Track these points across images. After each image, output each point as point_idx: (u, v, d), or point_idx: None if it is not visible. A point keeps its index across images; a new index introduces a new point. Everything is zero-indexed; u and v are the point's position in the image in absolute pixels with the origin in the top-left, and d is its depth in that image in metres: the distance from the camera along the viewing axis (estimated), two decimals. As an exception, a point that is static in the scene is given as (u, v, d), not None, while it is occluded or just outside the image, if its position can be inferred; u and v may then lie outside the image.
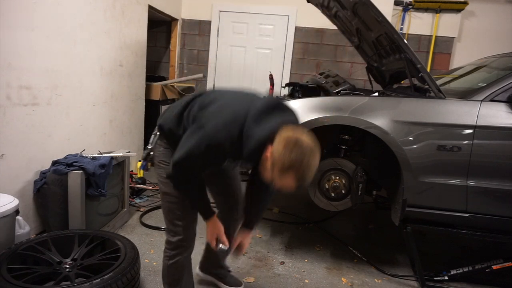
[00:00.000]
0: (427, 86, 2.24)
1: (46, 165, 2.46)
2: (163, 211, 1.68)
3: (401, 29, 4.42)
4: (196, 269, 2.14)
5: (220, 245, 1.65)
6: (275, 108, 1.39)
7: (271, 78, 4.07)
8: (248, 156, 1.36)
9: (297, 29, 4.62)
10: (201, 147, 1.36)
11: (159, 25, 4.86)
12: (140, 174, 3.71)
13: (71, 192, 2.29)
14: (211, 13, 4.77)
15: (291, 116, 1.43)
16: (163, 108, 4.49)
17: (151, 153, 1.68)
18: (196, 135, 1.39)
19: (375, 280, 2.38)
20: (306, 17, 4.53)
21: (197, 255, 2.15)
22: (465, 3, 4.22)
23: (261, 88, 4.67)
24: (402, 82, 3.55)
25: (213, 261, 2.10)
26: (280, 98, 1.43)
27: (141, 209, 3.15)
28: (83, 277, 1.75)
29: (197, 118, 1.45)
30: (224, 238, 1.65)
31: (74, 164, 2.35)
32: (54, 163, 2.41)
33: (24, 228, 2.13)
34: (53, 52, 2.49)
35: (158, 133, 1.64)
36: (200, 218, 1.66)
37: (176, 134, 1.54)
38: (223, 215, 1.88)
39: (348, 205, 2.46)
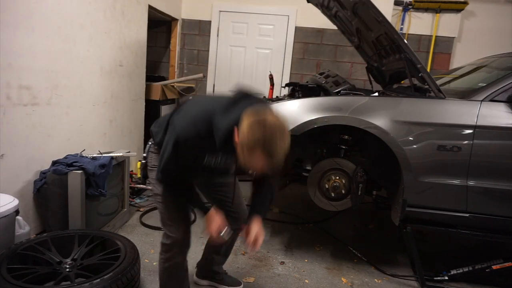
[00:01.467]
0: (427, 86, 2.23)
1: (46, 165, 2.46)
2: (158, 213, 1.71)
3: (401, 29, 4.42)
4: (193, 278, 2.16)
5: (222, 233, 1.57)
6: (241, 99, 1.42)
7: (271, 78, 4.06)
8: (221, 147, 1.38)
9: (297, 29, 4.61)
10: (173, 145, 1.42)
11: (159, 25, 4.85)
12: (140, 174, 3.70)
13: (71, 192, 2.29)
14: (211, 13, 4.77)
15: (258, 101, 1.43)
16: (163, 108, 4.49)
17: (143, 161, 1.75)
18: (168, 137, 1.48)
19: (375, 280, 2.38)
20: (306, 17, 4.53)
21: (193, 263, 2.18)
22: (465, 3, 4.21)
23: (261, 88, 4.68)
24: (402, 82, 3.55)
25: (209, 265, 2.10)
26: (247, 89, 1.48)
27: (141, 209, 3.15)
28: (83, 277, 1.75)
29: (172, 123, 1.52)
30: (225, 225, 1.57)
31: (74, 164, 2.35)
32: (54, 163, 2.41)
33: (24, 228, 2.13)
34: (53, 52, 2.49)
35: (151, 143, 1.73)
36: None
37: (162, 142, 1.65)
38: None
39: (348, 205, 2.45)
